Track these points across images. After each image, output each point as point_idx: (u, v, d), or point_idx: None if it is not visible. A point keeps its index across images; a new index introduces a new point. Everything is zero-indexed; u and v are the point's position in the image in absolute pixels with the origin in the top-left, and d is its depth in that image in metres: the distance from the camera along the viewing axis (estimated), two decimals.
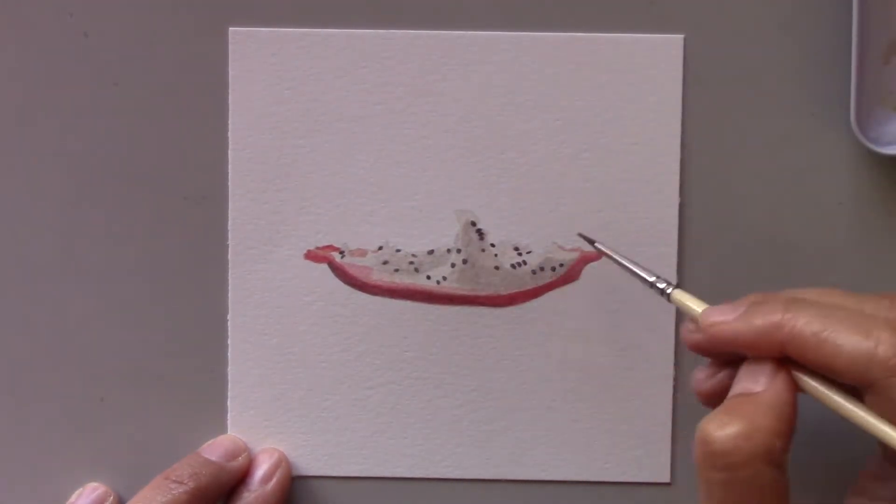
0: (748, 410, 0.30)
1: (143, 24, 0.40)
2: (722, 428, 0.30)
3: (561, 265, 0.41)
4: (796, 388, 0.32)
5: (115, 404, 0.41)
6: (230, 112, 0.41)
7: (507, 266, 0.41)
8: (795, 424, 0.31)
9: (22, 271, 0.41)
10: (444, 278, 0.41)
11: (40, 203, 0.41)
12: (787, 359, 0.31)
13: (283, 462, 0.41)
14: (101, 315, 0.41)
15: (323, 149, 0.41)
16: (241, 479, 0.40)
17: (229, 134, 0.41)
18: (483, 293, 0.41)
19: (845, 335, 0.30)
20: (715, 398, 0.34)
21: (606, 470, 0.41)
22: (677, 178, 0.41)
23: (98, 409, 0.41)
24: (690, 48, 0.40)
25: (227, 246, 0.41)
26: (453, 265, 0.41)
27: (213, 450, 0.40)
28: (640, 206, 0.41)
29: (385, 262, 0.41)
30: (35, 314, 0.41)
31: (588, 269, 0.41)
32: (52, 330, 0.41)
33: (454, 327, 0.41)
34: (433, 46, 0.40)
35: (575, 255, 0.41)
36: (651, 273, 0.37)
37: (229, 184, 0.41)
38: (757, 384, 0.31)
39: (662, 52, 0.40)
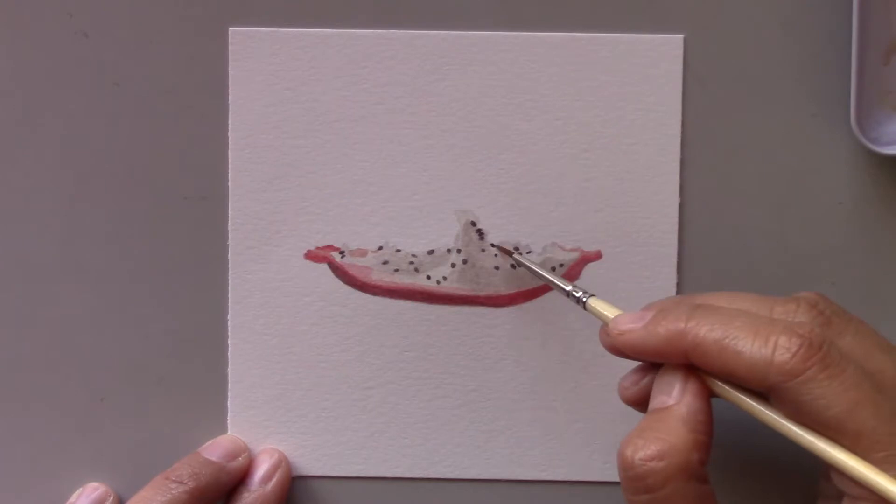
0: (662, 428, 0.31)
1: (143, 24, 0.40)
2: (637, 451, 0.30)
3: (561, 265, 0.41)
4: (709, 393, 0.32)
5: (115, 404, 0.41)
6: (230, 112, 0.41)
7: (507, 266, 0.41)
8: (712, 430, 0.31)
9: (22, 271, 0.41)
10: (444, 278, 0.41)
11: (40, 203, 0.41)
12: (696, 366, 0.32)
13: (283, 462, 0.41)
14: (101, 315, 0.41)
15: (323, 149, 0.41)
16: (241, 479, 0.40)
17: (229, 134, 0.41)
18: (483, 293, 0.41)
19: (744, 342, 0.30)
20: (641, 404, 0.34)
21: (606, 470, 0.41)
22: (677, 178, 0.41)
23: (98, 409, 0.41)
24: (690, 48, 0.40)
25: (227, 246, 0.41)
26: (453, 265, 0.41)
27: (213, 450, 0.40)
28: (640, 206, 0.41)
29: (385, 262, 0.41)
30: (35, 314, 0.41)
31: (588, 269, 0.41)
32: (52, 330, 0.41)
33: (454, 327, 0.41)
34: (433, 46, 0.40)
35: (575, 255, 0.41)
36: (566, 283, 0.37)
37: (229, 184, 0.41)
38: (670, 397, 0.32)
39: (662, 52, 0.40)
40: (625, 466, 0.31)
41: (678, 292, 0.41)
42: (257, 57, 0.40)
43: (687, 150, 0.41)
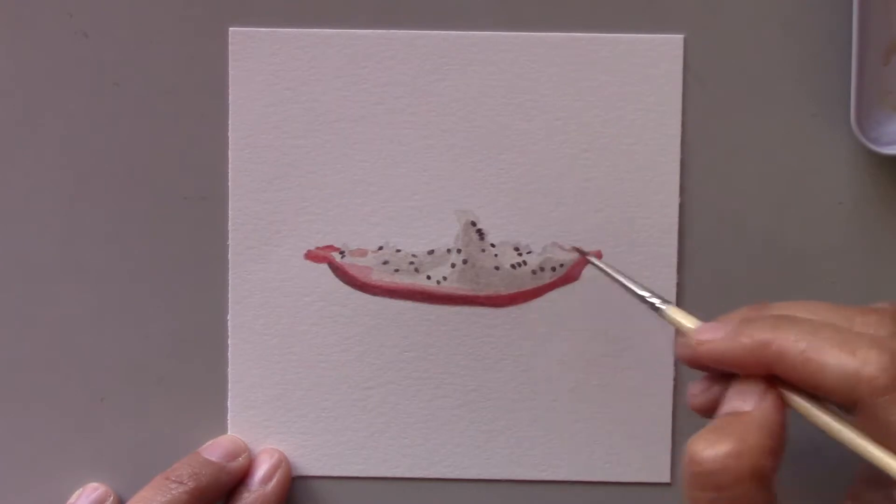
0: (737, 429, 0.30)
1: (143, 24, 0.40)
2: (711, 447, 0.30)
3: (561, 265, 0.41)
4: (786, 407, 0.32)
5: (115, 404, 0.41)
6: (230, 112, 0.41)
7: (507, 266, 0.41)
8: (785, 444, 0.31)
9: (22, 271, 0.41)
10: (445, 278, 0.41)
11: (40, 203, 0.41)
12: (777, 377, 0.31)
13: (283, 462, 0.41)
14: (101, 315, 0.41)
15: (323, 149, 0.41)
16: (241, 479, 0.40)
17: (229, 134, 0.41)
18: (483, 293, 0.41)
19: (831, 354, 0.30)
20: (710, 412, 0.34)
21: (606, 470, 0.41)
22: (677, 178, 0.41)
23: (98, 409, 0.41)
24: (690, 48, 0.40)
25: (227, 246, 0.41)
26: (453, 265, 0.41)
27: (213, 450, 0.40)
28: (640, 206, 0.41)
29: (385, 262, 0.41)
30: (35, 314, 0.41)
31: (588, 269, 0.41)
32: (52, 330, 0.41)
33: (454, 327, 0.41)
34: (433, 46, 0.40)
35: (575, 255, 0.41)
36: (644, 289, 0.36)
37: (229, 184, 0.41)
38: (746, 403, 0.31)
39: (662, 52, 0.40)
40: (695, 461, 0.30)
41: (678, 292, 0.41)
42: (257, 57, 0.40)
43: (687, 150, 0.41)
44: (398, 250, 0.41)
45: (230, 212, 0.41)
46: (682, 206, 0.41)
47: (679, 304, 0.41)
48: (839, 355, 0.29)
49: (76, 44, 0.40)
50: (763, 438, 0.30)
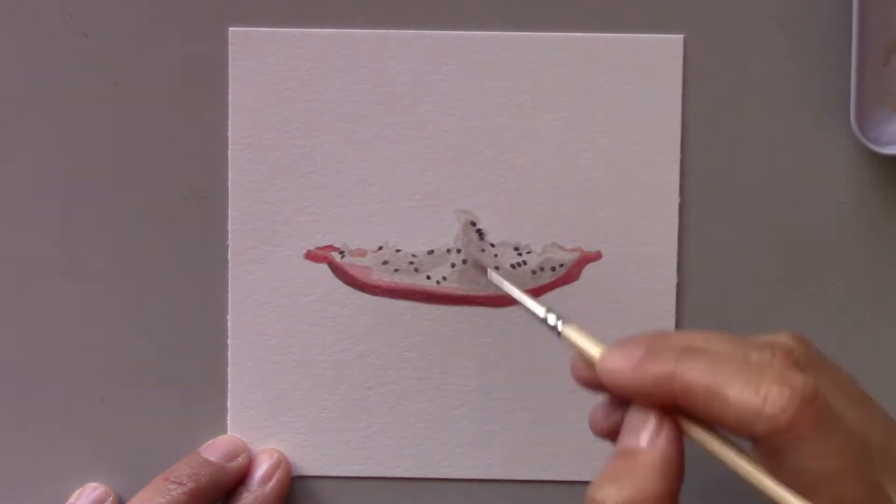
0: (634, 474, 0.30)
1: (143, 24, 0.40)
2: (612, 495, 0.29)
3: (561, 265, 0.41)
4: (682, 439, 0.31)
5: (115, 404, 0.41)
6: (230, 112, 0.41)
7: (507, 266, 0.41)
8: (683, 479, 0.31)
9: (22, 271, 0.41)
10: (444, 278, 0.41)
11: (40, 203, 0.41)
12: (678, 408, 0.31)
13: (282, 462, 0.41)
14: (101, 315, 0.41)
15: (323, 149, 0.41)
16: (240, 479, 0.40)
17: (229, 134, 0.41)
18: (483, 293, 0.41)
19: (734, 390, 0.29)
20: (612, 436, 0.33)
21: None
22: (677, 178, 0.41)
23: (98, 409, 0.41)
24: (690, 48, 0.40)
25: (227, 246, 0.41)
26: (453, 265, 0.41)
27: (213, 450, 0.40)
28: (640, 206, 0.41)
29: (385, 262, 0.41)
30: (35, 314, 0.41)
31: (588, 269, 0.41)
32: (52, 330, 0.41)
33: (454, 327, 0.41)
34: (433, 46, 0.40)
35: (575, 255, 0.41)
36: (542, 306, 0.35)
37: (229, 184, 0.41)
38: (641, 439, 0.31)
39: (662, 52, 0.40)
40: None
41: (678, 292, 0.41)
42: (257, 57, 0.40)
43: (687, 150, 0.41)
44: (398, 250, 0.41)
45: (230, 212, 0.41)
46: (682, 206, 0.41)
47: (679, 304, 0.41)
48: (742, 391, 0.29)
49: (76, 44, 0.40)
50: (661, 482, 0.30)
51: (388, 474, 0.42)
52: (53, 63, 0.41)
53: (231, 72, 0.40)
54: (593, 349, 0.33)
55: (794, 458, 0.29)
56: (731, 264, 0.41)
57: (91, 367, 0.41)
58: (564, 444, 0.41)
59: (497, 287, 0.38)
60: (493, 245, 0.41)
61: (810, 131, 0.41)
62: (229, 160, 0.41)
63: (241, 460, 0.40)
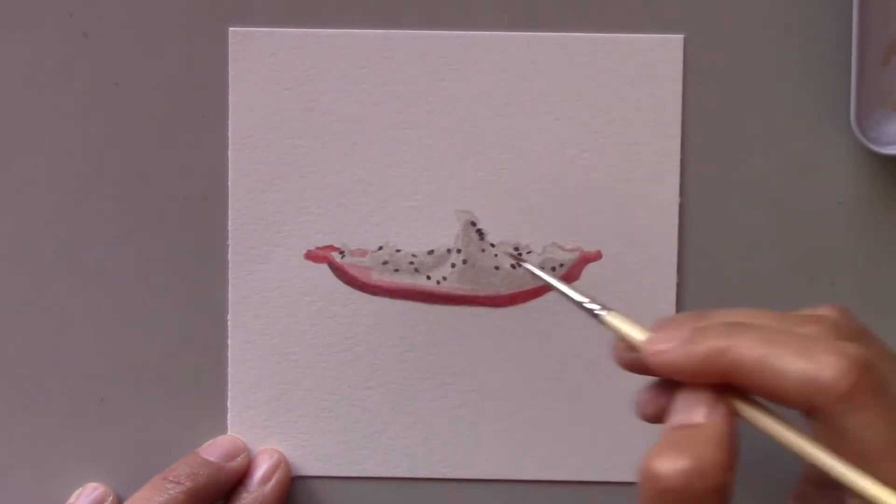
0: (695, 445, 0.29)
1: (143, 24, 0.40)
2: (672, 465, 0.29)
3: (561, 265, 0.41)
4: (737, 417, 0.31)
5: (115, 404, 0.41)
6: (230, 112, 0.41)
7: (507, 266, 0.41)
8: (739, 455, 0.30)
9: (22, 271, 0.41)
10: (445, 278, 0.41)
11: (40, 203, 0.41)
12: (726, 386, 0.31)
13: (282, 463, 0.41)
14: (101, 315, 0.41)
15: (323, 149, 0.41)
16: (240, 479, 0.40)
17: (229, 134, 0.41)
18: (483, 293, 0.41)
19: (790, 360, 0.29)
20: (659, 420, 0.33)
21: (607, 470, 0.41)
22: (677, 178, 0.41)
23: (98, 409, 0.41)
24: (690, 48, 0.40)
25: (227, 246, 0.41)
26: (453, 265, 0.41)
27: (212, 450, 0.40)
28: (640, 206, 0.41)
29: (385, 262, 0.41)
30: (35, 314, 0.41)
31: (588, 269, 0.41)
32: (52, 330, 0.41)
33: (454, 327, 0.41)
34: (433, 46, 0.40)
35: (575, 255, 0.41)
36: (583, 295, 0.35)
37: (229, 184, 0.41)
38: (696, 415, 0.31)
39: (662, 52, 0.40)
40: (655, 478, 0.29)
41: (678, 292, 0.41)
42: (257, 57, 0.40)
43: (687, 150, 0.41)
44: (398, 250, 0.41)
45: (230, 212, 0.41)
46: (682, 206, 0.41)
47: (679, 304, 0.41)
48: (797, 361, 0.29)
49: (76, 44, 0.40)
50: (720, 454, 0.29)
51: (388, 474, 0.41)
52: (53, 63, 0.41)
53: (231, 72, 0.40)
54: (637, 334, 0.33)
55: (854, 428, 0.28)
56: (731, 264, 0.41)
57: (91, 367, 0.41)
58: (564, 443, 0.41)
59: (508, 284, 0.38)
60: (493, 245, 0.41)
61: (810, 131, 0.41)
62: (229, 160, 0.41)
63: (240, 460, 0.40)
